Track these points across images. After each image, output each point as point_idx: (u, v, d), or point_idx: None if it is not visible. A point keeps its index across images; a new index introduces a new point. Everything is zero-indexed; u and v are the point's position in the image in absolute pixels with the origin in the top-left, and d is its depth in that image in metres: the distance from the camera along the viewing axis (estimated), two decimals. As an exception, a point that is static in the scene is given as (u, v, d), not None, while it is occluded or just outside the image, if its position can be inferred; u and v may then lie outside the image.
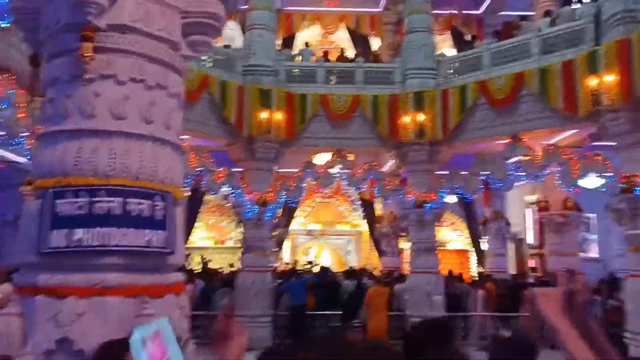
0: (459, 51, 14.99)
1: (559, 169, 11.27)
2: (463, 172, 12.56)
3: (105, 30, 2.93)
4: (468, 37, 16.93)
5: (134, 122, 2.98)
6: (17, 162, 14.32)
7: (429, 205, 12.77)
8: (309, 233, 19.71)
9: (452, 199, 13.22)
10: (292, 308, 12.05)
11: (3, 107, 7.85)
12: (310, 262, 16.16)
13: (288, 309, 12.14)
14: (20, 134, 8.53)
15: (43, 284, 2.85)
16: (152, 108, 3.01)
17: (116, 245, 2.85)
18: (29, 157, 9.14)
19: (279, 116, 12.50)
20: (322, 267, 14.11)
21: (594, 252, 18.69)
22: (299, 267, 15.23)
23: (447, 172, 12.90)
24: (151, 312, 2.75)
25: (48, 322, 2.74)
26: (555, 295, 1.47)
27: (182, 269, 3.25)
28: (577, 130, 12.06)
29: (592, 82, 10.29)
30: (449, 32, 17.86)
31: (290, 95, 12.82)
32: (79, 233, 2.81)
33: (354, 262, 19.11)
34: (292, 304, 12.07)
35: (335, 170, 12.94)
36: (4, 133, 8.33)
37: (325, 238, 19.90)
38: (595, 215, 17.97)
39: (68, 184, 2.86)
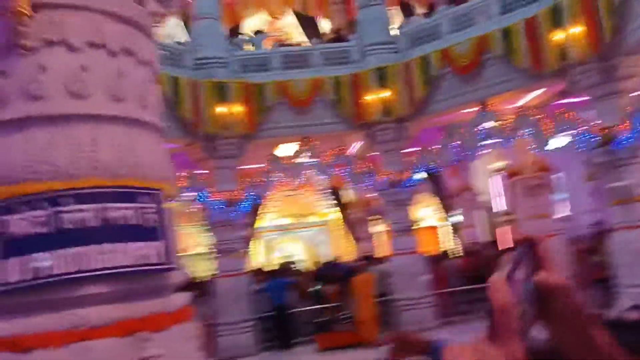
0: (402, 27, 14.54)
1: (531, 130, 11.02)
2: (434, 147, 12.18)
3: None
4: (418, 11, 16.54)
5: (98, 100, 2.23)
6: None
7: (402, 184, 12.33)
8: (279, 228, 19.02)
9: (421, 175, 12.87)
10: (274, 308, 11.46)
11: None
12: (289, 259, 15.57)
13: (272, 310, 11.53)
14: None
15: None
16: (121, 81, 2.28)
17: (97, 269, 2.10)
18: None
19: (238, 109, 11.75)
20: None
21: (564, 211, 18.76)
22: (280, 265, 14.61)
23: (418, 149, 12.49)
24: (157, 353, 2.07)
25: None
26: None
27: (185, 287, 2.55)
28: (543, 90, 11.83)
29: (558, 36, 10.02)
30: (399, 6, 17.40)
31: (247, 86, 12.07)
32: (44, 258, 2.04)
33: (326, 253, 18.56)
34: (273, 304, 11.48)
35: (304, 159, 12.31)
36: None
37: (296, 231, 19.27)
38: (560, 174, 18.03)
39: (19, 194, 2.10)
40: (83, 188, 2.14)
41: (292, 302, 11.61)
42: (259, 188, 12.34)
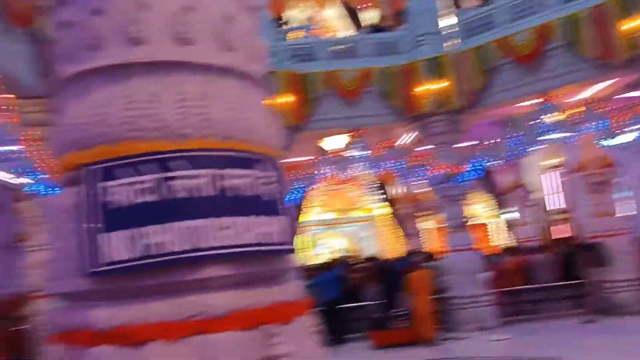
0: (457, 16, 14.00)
1: (597, 124, 10.40)
2: (489, 141, 11.65)
3: None
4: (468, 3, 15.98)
5: (207, 48, 1.88)
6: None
7: (456, 178, 11.83)
8: (322, 223, 18.68)
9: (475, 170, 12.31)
10: (323, 304, 11.09)
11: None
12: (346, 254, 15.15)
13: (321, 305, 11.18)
14: (9, 141, 7.47)
15: (103, 324, 1.71)
16: (230, 27, 1.93)
17: (215, 247, 1.74)
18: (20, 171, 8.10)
19: (285, 100, 11.45)
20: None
21: (628, 210, 17.64)
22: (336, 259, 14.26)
23: (472, 143, 11.98)
24: (287, 351, 1.72)
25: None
26: None
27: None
28: (611, 82, 11.14)
29: (629, 25, 9.39)
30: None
31: (294, 76, 11.77)
32: (152, 233, 1.69)
33: (370, 248, 18.15)
34: (323, 299, 11.11)
35: (353, 152, 11.93)
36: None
37: (340, 226, 18.90)
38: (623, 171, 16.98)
39: (120, 155, 1.78)
40: (194, 150, 1.80)
41: (352, 297, 11.27)
42: (305, 181, 12.03)
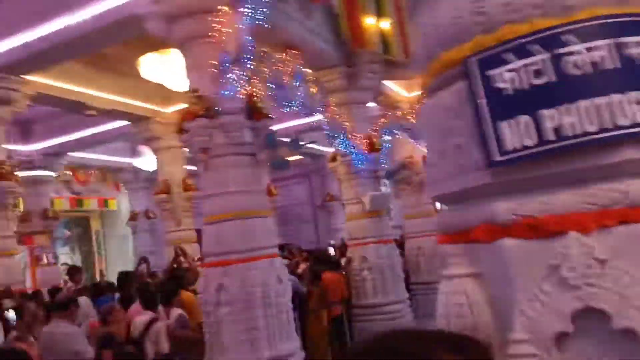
0: None
1: None
2: None
3: None
4: None
5: None
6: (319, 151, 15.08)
7: None
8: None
9: None
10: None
11: (297, 84, 7.69)
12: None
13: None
14: (317, 109, 8.42)
15: (504, 217, 1.66)
16: None
17: (629, 127, 1.53)
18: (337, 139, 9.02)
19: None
20: None
21: None
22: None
23: None
24: None
25: (545, 282, 1.59)
26: None
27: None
28: None
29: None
30: None
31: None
32: (551, 117, 1.57)
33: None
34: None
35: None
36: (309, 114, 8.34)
37: None
38: None
39: (500, 41, 1.67)
40: (584, 20, 1.63)
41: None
42: None
